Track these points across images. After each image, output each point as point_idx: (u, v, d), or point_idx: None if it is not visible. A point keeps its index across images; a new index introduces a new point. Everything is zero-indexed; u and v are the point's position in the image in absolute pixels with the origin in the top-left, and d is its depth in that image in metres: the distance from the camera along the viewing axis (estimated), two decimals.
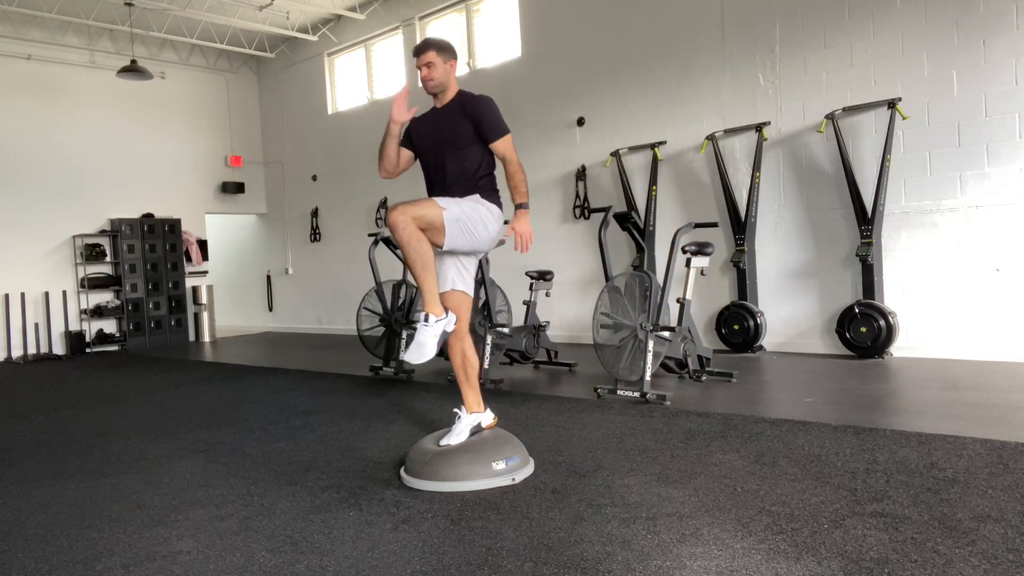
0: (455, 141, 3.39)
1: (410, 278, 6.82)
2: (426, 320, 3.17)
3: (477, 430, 3.43)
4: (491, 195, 3.45)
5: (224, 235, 13.35)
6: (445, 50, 3.43)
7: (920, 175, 6.08)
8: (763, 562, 2.29)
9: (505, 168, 3.39)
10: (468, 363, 3.49)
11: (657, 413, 4.39)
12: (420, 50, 3.41)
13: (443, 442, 3.38)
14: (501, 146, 3.39)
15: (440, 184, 3.45)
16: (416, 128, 3.55)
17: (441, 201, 3.25)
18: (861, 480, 3.00)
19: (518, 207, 3.32)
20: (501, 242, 3.60)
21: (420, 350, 3.15)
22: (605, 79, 8.01)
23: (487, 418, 3.49)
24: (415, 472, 3.27)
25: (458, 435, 3.39)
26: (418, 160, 3.63)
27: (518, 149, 3.49)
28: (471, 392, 3.48)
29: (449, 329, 3.23)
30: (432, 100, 3.55)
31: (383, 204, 10.64)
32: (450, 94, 3.47)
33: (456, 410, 3.48)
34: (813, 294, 6.71)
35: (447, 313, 3.25)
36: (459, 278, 3.46)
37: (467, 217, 3.27)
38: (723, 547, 2.42)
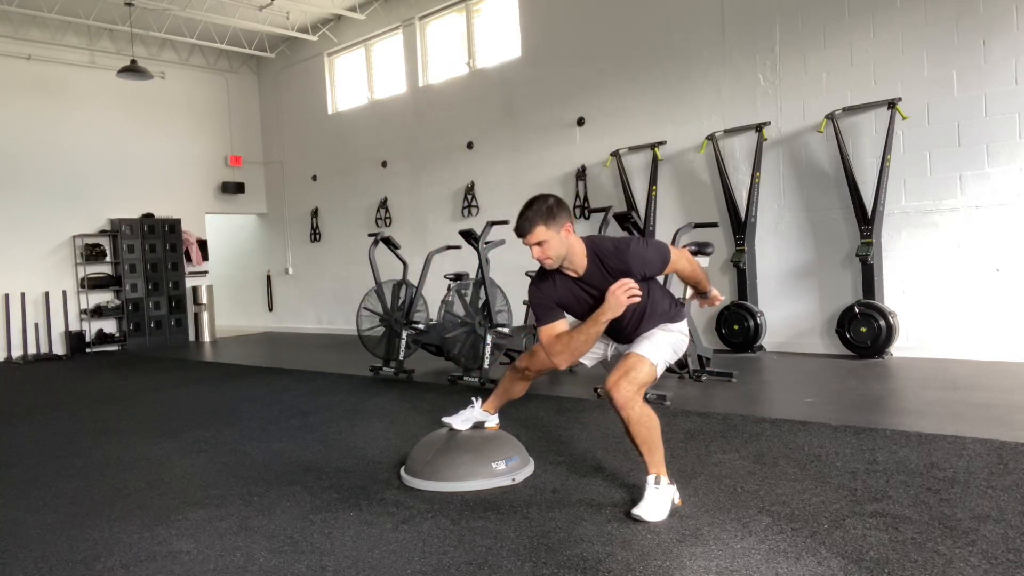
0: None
1: (410, 278, 6.83)
2: (657, 483, 2.78)
3: (479, 425, 3.44)
4: (677, 316, 3.02)
5: (224, 235, 13.35)
6: (553, 216, 2.77)
7: (920, 175, 6.08)
8: (763, 562, 2.29)
9: (688, 279, 3.13)
10: (511, 393, 3.41)
11: (657, 413, 4.38)
12: (525, 230, 2.80)
13: (445, 419, 3.41)
14: (673, 269, 2.97)
15: (621, 336, 3.06)
16: (554, 295, 2.94)
17: (650, 353, 2.85)
18: (861, 480, 3.00)
19: (708, 292, 3.16)
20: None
21: (652, 513, 2.71)
22: (605, 79, 8.01)
23: (492, 420, 3.50)
24: (415, 472, 3.28)
25: (463, 421, 3.41)
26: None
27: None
28: (494, 403, 3.47)
29: (677, 501, 2.83)
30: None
31: (383, 204, 10.64)
32: (580, 259, 2.85)
33: (473, 398, 3.50)
34: (813, 294, 6.71)
35: (673, 481, 2.86)
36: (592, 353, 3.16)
37: (670, 345, 2.96)
38: (723, 547, 2.42)
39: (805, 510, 2.70)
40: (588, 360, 3.21)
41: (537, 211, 2.78)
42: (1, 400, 6.61)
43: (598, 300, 2.82)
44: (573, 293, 2.92)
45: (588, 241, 2.88)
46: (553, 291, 2.93)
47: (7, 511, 3.23)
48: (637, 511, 2.71)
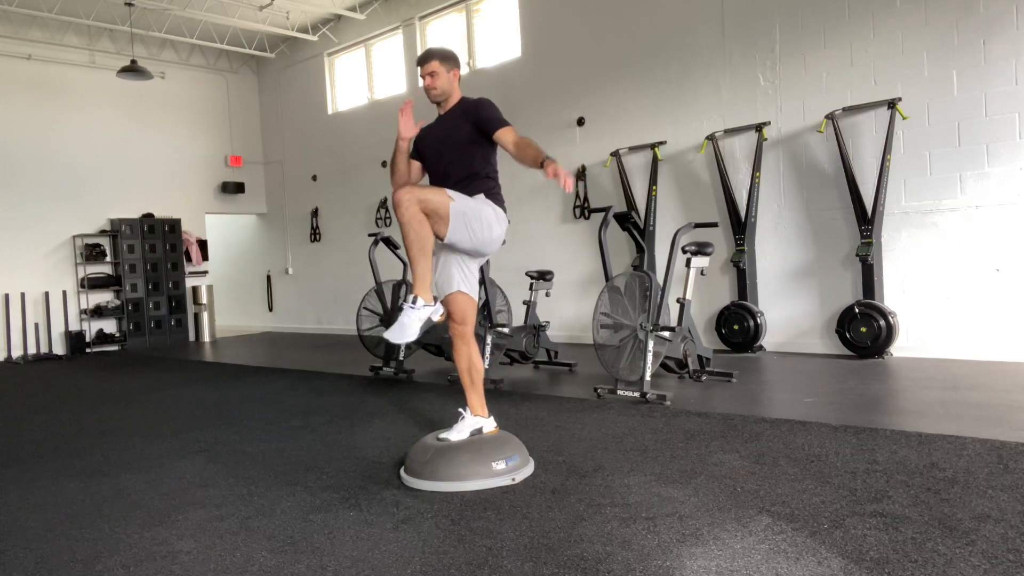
0: (457, 144, 3.42)
1: (410, 277, 6.82)
2: (413, 303, 3.15)
3: (477, 433, 3.43)
4: (496, 198, 3.46)
5: (224, 235, 13.35)
6: (448, 59, 3.48)
7: (920, 175, 6.08)
8: (763, 562, 2.29)
9: (516, 151, 3.28)
10: (474, 368, 3.49)
11: (657, 413, 4.39)
12: (423, 60, 3.46)
13: (442, 436, 3.40)
14: (504, 135, 3.35)
15: (451, 181, 3.45)
16: (421, 137, 3.57)
17: (450, 192, 3.26)
18: (861, 480, 3.00)
19: (544, 161, 3.12)
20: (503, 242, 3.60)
21: (403, 331, 3.13)
22: (605, 79, 8.01)
23: (489, 424, 3.48)
24: (415, 472, 3.27)
25: (459, 432, 3.39)
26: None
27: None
28: (476, 397, 3.48)
29: (435, 318, 3.20)
30: (436, 108, 3.59)
31: (383, 204, 10.64)
32: (452, 101, 3.52)
33: (461, 410, 3.48)
34: (813, 294, 6.71)
35: (436, 302, 3.23)
36: (463, 281, 3.44)
37: (473, 212, 3.27)
38: (723, 547, 2.42)
39: (805, 510, 2.70)
40: (471, 290, 3.47)
41: (438, 50, 3.51)
42: (1, 400, 6.61)
43: (443, 135, 3.46)
44: (431, 130, 3.54)
45: (466, 96, 3.54)
46: (422, 132, 3.54)
47: (7, 511, 3.22)
48: (387, 333, 3.19)
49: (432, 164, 3.55)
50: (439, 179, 3.50)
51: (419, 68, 3.47)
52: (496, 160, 3.53)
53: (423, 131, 3.56)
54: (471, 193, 3.38)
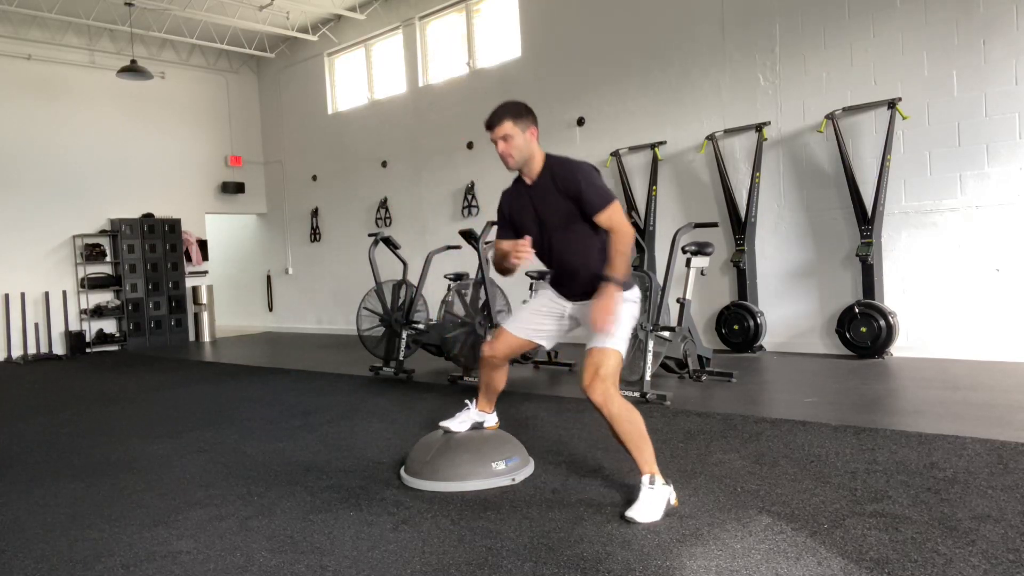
0: (560, 224, 2.93)
1: (410, 278, 6.83)
2: (651, 483, 2.77)
3: (478, 426, 3.44)
4: (629, 280, 2.99)
5: (224, 235, 13.34)
6: (522, 116, 2.93)
7: (920, 175, 6.08)
8: (763, 562, 2.29)
9: (615, 238, 2.86)
10: (492, 388, 3.40)
11: (657, 413, 4.39)
12: (492, 122, 2.92)
13: (443, 423, 3.40)
14: (605, 218, 2.86)
15: (560, 270, 3.06)
16: (510, 206, 3.07)
17: (618, 344, 2.85)
18: (861, 480, 3.00)
19: (605, 279, 2.80)
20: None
21: (645, 514, 2.70)
22: (605, 79, 8.01)
23: (491, 420, 3.49)
24: (415, 472, 3.28)
25: (460, 423, 3.40)
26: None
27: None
28: (485, 400, 3.47)
29: (673, 501, 2.80)
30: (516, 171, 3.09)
31: (383, 204, 10.64)
32: (537, 165, 2.96)
33: (467, 400, 3.49)
34: (813, 294, 6.71)
35: (668, 481, 2.86)
36: (533, 331, 3.16)
37: (628, 328, 2.95)
38: (723, 547, 2.42)
39: (805, 510, 2.70)
40: (545, 340, 3.22)
41: (507, 108, 2.93)
42: (1, 400, 6.61)
43: (539, 212, 2.94)
44: (521, 203, 3.01)
45: (548, 155, 2.99)
46: (509, 202, 3.06)
47: (7, 511, 3.22)
48: (630, 513, 2.71)
49: (533, 236, 2.99)
50: (546, 255, 3.05)
51: (488, 132, 2.94)
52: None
53: (508, 202, 3.07)
54: (597, 285, 2.87)
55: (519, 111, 2.94)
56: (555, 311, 3.12)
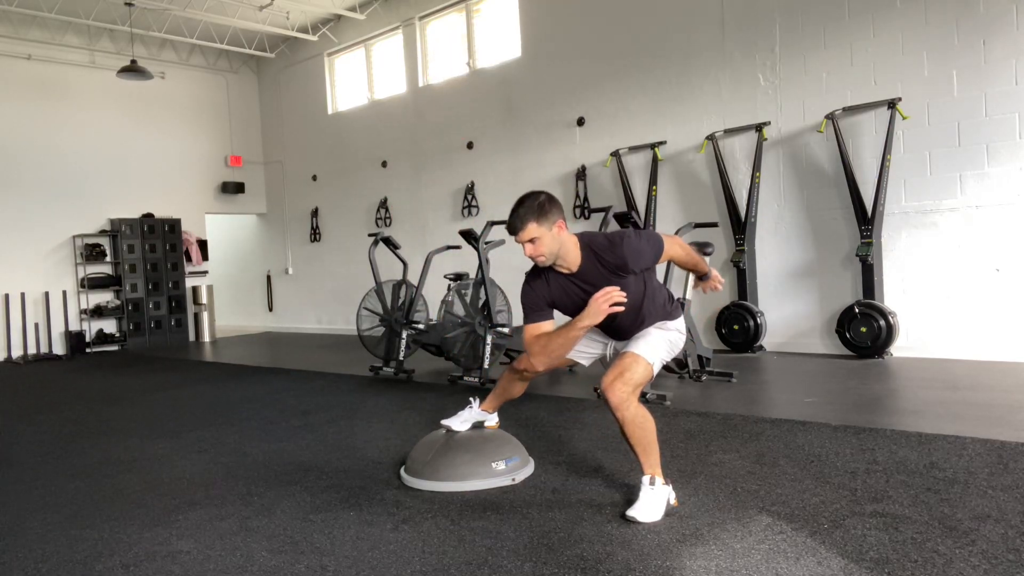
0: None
1: (410, 278, 6.83)
2: (652, 483, 2.77)
3: (479, 425, 3.44)
4: (675, 313, 3.02)
5: (224, 235, 13.34)
6: (545, 213, 2.74)
7: (920, 175, 6.08)
8: (763, 562, 2.29)
9: (685, 258, 3.03)
10: (509, 393, 3.38)
11: (657, 413, 4.36)
12: (517, 227, 2.76)
13: (444, 422, 3.41)
14: (667, 256, 2.93)
15: (618, 334, 3.06)
16: (558, 300, 2.93)
17: (655, 359, 2.87)
18: (861, 480, 3.00)
19: (706, 274, 3.14)
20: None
21: (646, 514, 2.71)
22: (605, 79, 8.01)
23: (491, 419, 3.49)
24: (415, 472, 3.28)
25: (461, 422, 3.40)
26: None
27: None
28: (492, 402, 3.46)
29: (673, 501, 2.81)
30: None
31: (383, 204, 10.64)
32: (574, 255, 2.82)
33: (471, 399, 3.49)
34: (813, 294, 6.71)
35: (668, 482, 2.85)
36: (579, 355, 3.17)
37: (667, 352, 2.98)
38: (723, 547, 2.42)
39: (805, 510, 2.70)
40: (585, 360, 3.21)
41: (529, 208, 2.75)
42: (1, 400, 6.61)
43: (584, 296, 2.80)
44: (566, 291, 2.88)
45: (582, 237, 2.85)
46: (545, 290, 2.90)
47: (7, 511, 3.22)
48: (631, 512, 2.71)
49: (608, 328, 3.03)
50: (606, 329, 3.05)
51: (513, 236, 2.80)
52: (667, 276, 3.05)
53: (543, 291, 2.91)
54: (652, 323, 2.96)
55: (542, 210, 2.75)
56: (600, 340, 3.15)
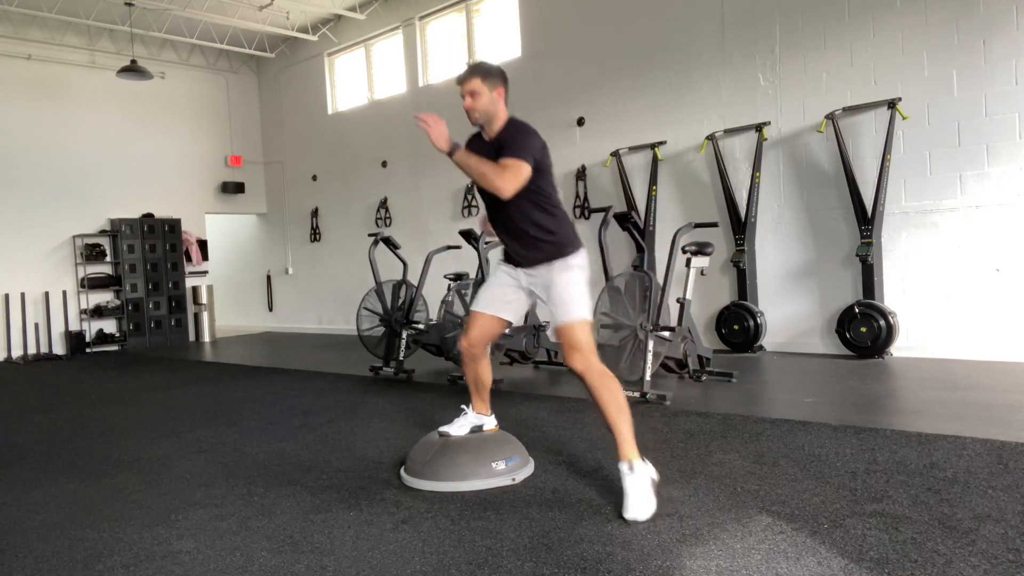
0: None
1: (410, 278, 6.83)
2: (630, 468, 2.78)
3: (478, 429, 3.43)
4: (567, 247, 3.05)
5: (224, 235, 13.35)
6: (491, 75, 3.05)
7: (920, 175, 6.08)
8: (763, 562, 2.29)
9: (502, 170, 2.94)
10: (480, 382, 3.41)
11: (657, 413, 4.39)
12: (463, 77, 3.07)
13: (443, 430, 3.40)
14: (506, 160, 2.90)
15: (505, 232, 3.14)
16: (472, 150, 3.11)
17: (582, 312, 2.96)
18: (861, 480, 3.00)
19: (455, 147, 2.96)
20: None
21: (646, 503, 2.72)
22: (605, 79, 8.01)
23: (490, 423, 3.48)
24: (415, 472, 3.28)
25: (459, 428, 3.40)
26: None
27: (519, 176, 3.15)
28: (479, 400, 3.47)
29: (655, 477, 2.84)
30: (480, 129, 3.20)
31: (383, 204, 10.64)
32: (498, 125, 3.07)
33: (464, 406, 3.49)
34: (813, 294, 6.71)
35: (645, 459, 2.85)
36: (504, 307, 3.21)
37: (584, 292, 3.03)
38: (723, 547, 2.42)
39: (805, 510, 2.70)
40: (513, 316, 3.28)
41: (479, 66, 3.09)
42: (1, 400, 6.61)
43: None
44: (479, 153, 3.04)
45: (512, 118, 3.11)
46: (470, 147, 3.11)
47: (7, 511, 3.22)
48: (628, 514, 2.70)
49: (486, 205, 3.17)
50: (493, 212, 3.15)
51: (460, 86, 3.06)
52: (550, 185, 3.08)
53: (469, 146, 3.12)
54: (550, 255, 3.02)
55: (489, 71, 3.07)
56: (511, 282, 3.21)
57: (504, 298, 3.22)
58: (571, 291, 3.01)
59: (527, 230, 3.04)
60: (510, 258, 3.22)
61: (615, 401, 2.87)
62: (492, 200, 3.07)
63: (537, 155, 2.98)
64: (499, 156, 2.93)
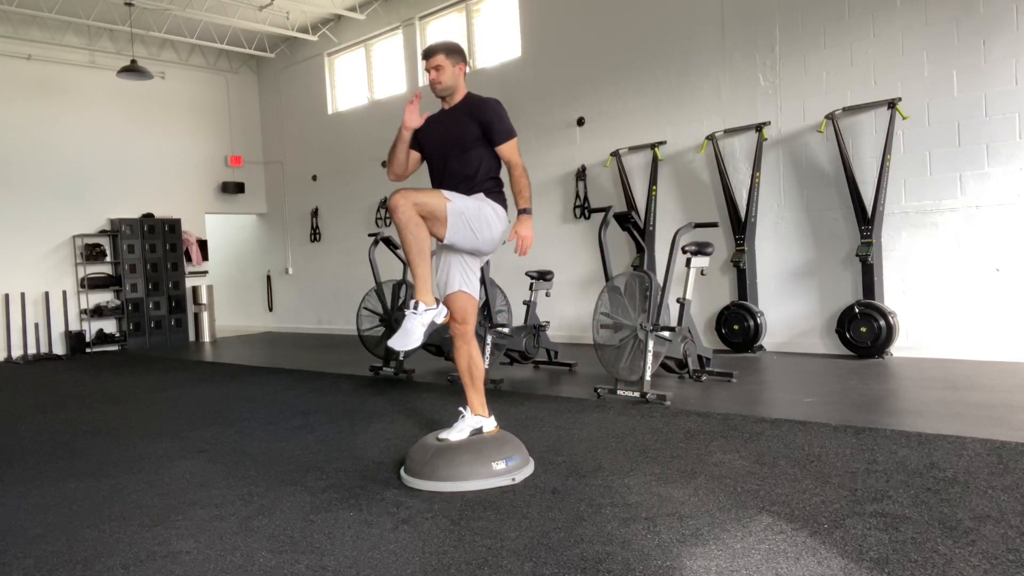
0: (461, 143, 3.39)
1: (410, 277, 6.82)
2: (415, 308, 3.16)
3: (478, 432, 3.43)
4: (497, 196, 3.45)
5: (224, 235, 13.35)
6: (454, 52, 3.43)
7: (920, 175, 6.08)
8: (763, 562, 2.29)
9: (510, 172, 3.42)
10: (474, 367, 3.47)
11: (657, 413, 4.39)
12: (428, 53, 3.42)
13: (442, 436, 3.39)
14: (507, 150, 3.40)
15: (444, 184, 3.44)
16: (424, 130, 3.51)
17: (446, 193, 3.27)
18: (861, 480, 3.00)
19: (521, 212, 3.35)
20: (501, 242, 3.58)
21: (406, 337, 3.14)
22: (605, 79, 8.01)
23: (489, 424, 3.48)
24: (415, 472, 3.27)
25: (458, 432, 3.39)
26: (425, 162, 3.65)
27: (519, 150, 3.49)
28: (476, 396, 3.48)
29: (439, 320, 3.21)
30: (440, 102, 3.56)
31: (383, 204, 10.64)
32: (458, 96, 3.48)
33: (461, 409, 3.48)
34: (813, 294, 6.71)
35: (438, 304, 3.24)
36: (464, 280, 3.44)
37: (471, 212, 3.27)
38: (723, 547, 2.42)
39: (805, 510, 2.70)
40: (472, 288, 3.48)
41: (444, 43, 3.46)
42: (1, 400, 6.61)
43: (448, 133, 3.41)
44: (434, 125, 3.47)
45: (473, 93, 3.51)
46: (427, 122, 3.46)
47: (7, 511, 3.22)
48: (391, 341, 3.19)
49: (433, 160, 3.53)
50: (438, 176, 3.49)
51: (424, 62, 3.43)
52: (498, 161, 3.50)
53: (426, 123, 3.49)
54: (470, 192, 3.37)
55: (452, 48, 3.44)
56: (443, 252, 3.47)
57: (451, 275, 3.45)
58: (468, 200, 3.29)
59: (477, 173, 3.39)
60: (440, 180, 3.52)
61: (417, 246, 3.13)
62: (441, 158, 3.46)
63: None
64: (481, 128, 3.35)
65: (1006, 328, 5.70)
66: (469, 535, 2.64)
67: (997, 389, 4.69)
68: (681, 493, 2.94)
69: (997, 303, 5.74)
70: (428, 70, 3.42)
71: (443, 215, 3.18)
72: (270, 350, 9.96)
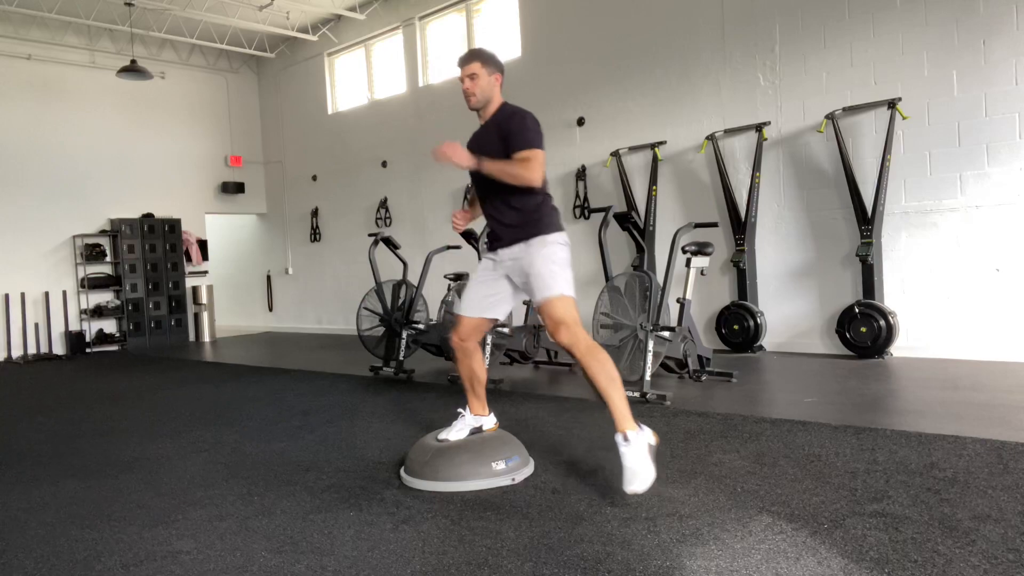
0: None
1: (410, 278, 6.83)
2: (626, 440, 2.83)
3: (477, 431, 3.43)
4: (549, 214, 3.19)
5: (224, 235, 13.35)
6: (491, 62, 3.21)
7: (920, 175, 6.08)
8: (763, 562, 2.29)
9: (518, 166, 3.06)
10: (475, 377, 3.44)
11: (657, 413, 4.39)
12: (465, 60, 3.20)
13: (441, 436, 3.39)
14: (521, 158, 3.03)
15: (493, 210, 3.23)
16: (470, 143, 3.27)
17: (563, 288, 3.02)
18: (861, 480, 3.00)
19: (479, 160, 3.03)
20: None
21: (643, 475, 2.77)
22: (605, 79, 8.01)
23: (489, 422, 3.48)
24: (415, 472, 3.27)
25: (458, 432, 3.39)
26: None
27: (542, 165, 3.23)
28: (476, 400, 3.47)
29: (653, 442, 2.89)
30: (477, 117, 3.34)
31: (383, 204, 10.64)
32: (492, 108, 3.24)
33: (460, 410, 3.48)
34: (813, 294, 6.71)
35: (641, 426, 2.91)
36: (490, 308, 3.31)
37: (561, 269, 3.10)
38: (723, 547, 2.42)
39: (805, 510, 2.70)
40: (500, 313, 3.35)
41: (480, 51, 3.25)
42: (1, 400, 6.61)
43: (482, 149, 3.12)
44: (474, 139, 3.26)
45: (506, 103, 3.25)
46: (471, 140, 3.26)
47: (7, 511, 3.22)
48: (628, 488, 2.75)
49: (476, 187, 3.28)
50: (482, 192, 3.26)
51: (460, 68, 3.19)
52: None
53: (469, 142, 3.25)
54: (530, 233, 3.11)
55: (489, 57, 3.22)
56: (490, 275, 3.28)
57: (487, 297, 3.29)
58: (550, 267, 3.08)
59: (513, 204, 3.15)
60: (491, 242, 3.30)
61: (604, 372, 2.92)
62: (483, 181, 3.17)
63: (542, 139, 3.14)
64: (503, 141, 3.09)
65: (1006, 328, 5.70)
66: (469, 535, 2.64)
67: (997, 389, 4.69)
68: (681, 493, 2.94)
69: (997, 303, 5.74)
70: (462, 79, 3.18)
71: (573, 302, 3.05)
72: (270, 350, 9.96)
